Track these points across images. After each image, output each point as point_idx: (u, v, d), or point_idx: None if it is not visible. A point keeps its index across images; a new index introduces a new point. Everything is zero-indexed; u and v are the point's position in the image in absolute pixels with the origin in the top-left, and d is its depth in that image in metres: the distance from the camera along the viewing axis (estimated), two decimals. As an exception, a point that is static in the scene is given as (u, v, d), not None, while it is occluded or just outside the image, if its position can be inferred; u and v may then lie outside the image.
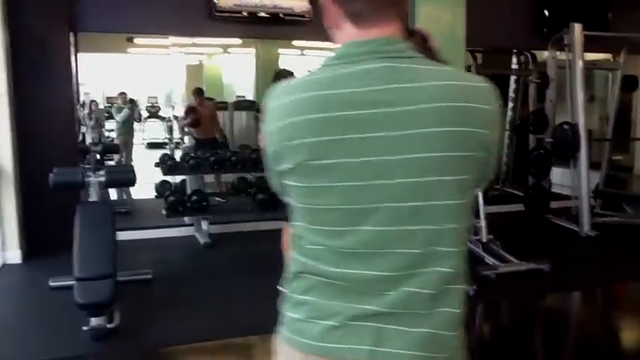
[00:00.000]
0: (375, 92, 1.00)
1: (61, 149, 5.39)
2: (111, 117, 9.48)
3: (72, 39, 5.61)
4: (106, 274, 3.65)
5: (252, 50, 11.16)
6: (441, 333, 1.04)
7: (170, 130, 13.38)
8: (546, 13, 6.82)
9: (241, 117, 10.62)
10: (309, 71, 1.13)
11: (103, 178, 4.30)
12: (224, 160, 5.94)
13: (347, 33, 1.08)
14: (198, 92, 7.62)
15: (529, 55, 7.69)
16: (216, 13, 5.77)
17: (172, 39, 10.30)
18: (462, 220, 1.05)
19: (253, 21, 5.94)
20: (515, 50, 8.08)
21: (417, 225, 1.01)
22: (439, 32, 6.34)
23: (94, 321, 3.61)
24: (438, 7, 6.39)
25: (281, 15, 5.97)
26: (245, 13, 5.85)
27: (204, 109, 7.43)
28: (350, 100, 1.00)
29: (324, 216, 1.06)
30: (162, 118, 13.43)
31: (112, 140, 8.65)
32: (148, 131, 13.93)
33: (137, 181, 4.42)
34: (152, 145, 13.34)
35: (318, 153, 1.02)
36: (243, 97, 12.54)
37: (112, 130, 10.07)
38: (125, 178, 4.42)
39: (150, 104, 14.16)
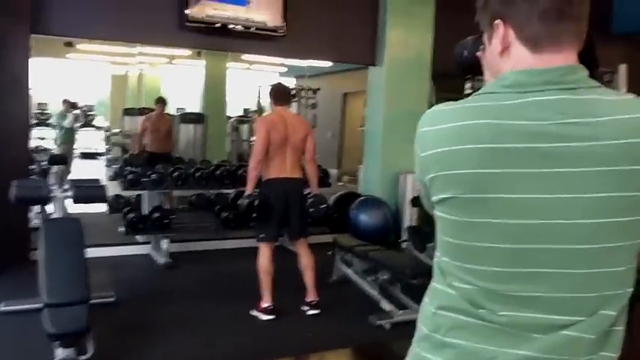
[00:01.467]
0: (553, 126, 0.92)
1: (14, 159, 4.97)
2: (40, 124, 9.00)
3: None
4: (80, 299, 3.34)
5: (200, 62, 10.91)
6: None
7: (108, 140, 12.86)
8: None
9: (188, 130, 10.29)
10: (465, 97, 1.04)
11: (70, 193, 3.97)
12: (188, 175, 5.67)
13: (519, 59, 1.00)
14: (161, 101, 7.29)
15: (483, 81, 7.92)
16: (188, 23, 5.54)
17: (116, 48, 9.95)
18: (634, 260, 0.99)
19: (225, 33, 5.75)
20: (469, 76, 8.31)
21: (593, 268, 0.94)
22: (407, 57, 6.49)
23: (63, 352, 3.27)
24: (407, 32, 6.50)
25: (254, 29, 5.82)
26: (218, 25, 5.65)
27: (162, 121, 7.12)
28: (524, 132, 0.93)
29: (480, 255, 0.97)
30: (98, 128, 12.86)
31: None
32: (81, 140, 13.24)
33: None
34: (86, 155, 12.71)
35: (480, 186, 0.94)
36: (184, 109, 12.24)
37: (44, 139, 9.51)
38: (95, 193, 4.10)
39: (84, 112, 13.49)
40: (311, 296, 4.23)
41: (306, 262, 4.19)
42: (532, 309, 0.95)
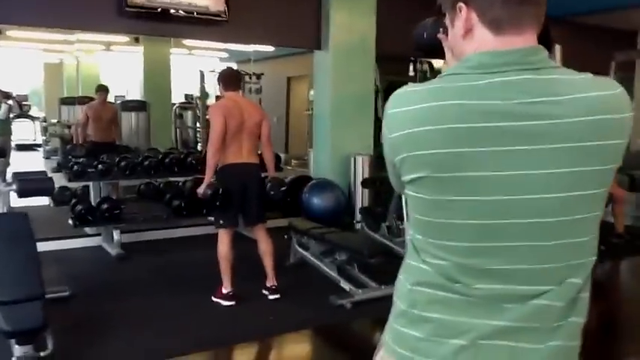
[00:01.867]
0: (518, 105, 0.96)
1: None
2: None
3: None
4: (36, 295, 3.23)
5: (139, 48, 10.62)
6: (569, 344, 1.04)
7: (45, 130, 12.38)
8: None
9: (130, 118, 10.02)
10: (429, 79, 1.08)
11: (14, 187, 3.83)
12: (136, 165, 5.55)
13: (482, 41, 1.03)
14: (103, 89, 7.05)
15: (427, 64, 8.08)
16: (127, 9, 5.39)
17: (47, 34, 9.57)
18: (597, 230, 1.05)
19: (166, 18, 5.63)
20: (412, 58, 8.46)
21: (559, 240, 0.99)
22: (351, 41, 6.54)
23: (20, 350, 3.18)
24: (350, 16, 6.54)
25: (196, 14, 5.72)
26: (159, 10, 5.52)
27: (105, 109, 6.91)
28: (490, 112, 0.96)
29: (452, 231, 1.01)
30: (34, 118, 12.35)
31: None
32: (16, 132, 12.68)
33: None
34: (22, 147, 12.20)
35: (450, 165, 0.97)
36: (123, 97, 11.92)
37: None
38: (41, 186, 3.97)
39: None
40: (271, 281, 4.25)
41: (264, 247, 4.20)
42: (504, 281, 0.99)
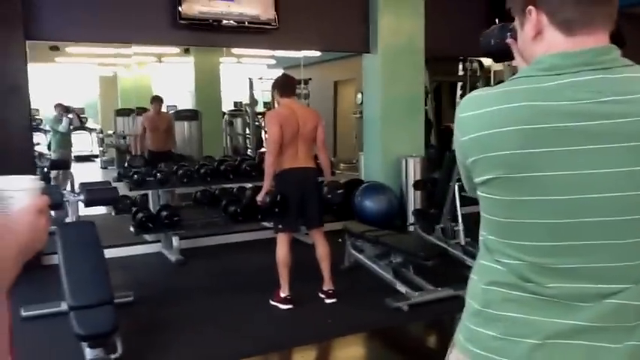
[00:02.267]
0: (590, 105, 0.97)
1: (18, 166, 4.96)
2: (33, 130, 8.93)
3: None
4: (105, 300, 3.39)
5: (189, 59, 10.89)
6: None
7: (102, 142, 12.82)
8: (497, 21, 7.07)
9: (183, 127, 10.29)
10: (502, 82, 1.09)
11: (82, 197, 4.01)
12: (193, 172, 5.71)
13: (553, 43, 1.04)
14: (157, 100, 7.27)
15: (477, 62, 7.99)
16: (181, 21, 5.55)
17: (102, 49, 9.92)
18: None
19: (218, 29, 5.77)
20: (461, 57, 8.38)
21: (634, 238, 0.99)
22: (400, 43, 6.54)
23: (92, 353, 3.34)
24: (398, 18, 6.53)
25: (247, 23, 5.84)
26: (211, 21, 5.66)
27: (160, 119, 7.12)
28: (562, 112, 0.97)
29: (523, 231, 1.02)
30: (91, 130, 12.83)
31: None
32: (74, 144, 13.16)
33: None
34: (80, 159, 12.67)
35: (521, 165, 0.99)
36: (175, 107, 12.21)
37: (38, 144, 9.47)
38: (107, 196, 4.14)
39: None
40: (328, 284, 4.29)
41: (322, 251, 4.24)
42: (578, 279, 1.00)
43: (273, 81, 4.36)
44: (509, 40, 1.19)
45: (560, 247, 1.00)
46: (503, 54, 1.24)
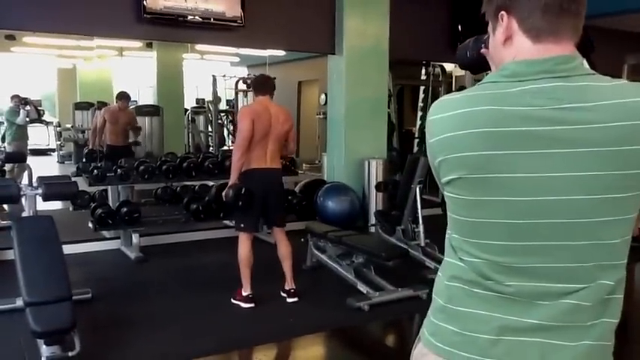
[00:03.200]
0: (548, 111, 1.01)
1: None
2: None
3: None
4: (63, 297, 3.31)
5: (151, 54, 10.73)
6: (602, 344, 1.07)
7: (59, 135, 12.50)
8: (459, 27, 7.20)
9: (144, 122, 10.12)
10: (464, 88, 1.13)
11: (40, 191, 3.92)
12: (154, 169, 5.63)
13: (521, 48, 1.08)
14: (124, 97, 7.14)
15: (439, 67, 8.13)
16: (145, 15, 5.48)
17: (62, 40, 9.69)
18: (629, 233, 1.08)
19: (184, 24, 5.72)
20: (424, 62, 8.51)
21: (590, 240, 1.03)
22: (365, 45, 6.60)
23: (48, 350, 3.26)
24: (364, 21, 6.60)
25: (212, 20, 5.81)
26: (176, 17, 5.61)
27: (123, 114, 7.00)
28: (524, 117, 1.01)
29: (485, 230, 1.07)
30: (48, 123, 12.48)
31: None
32: (30, 137, 12.78)
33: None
34: (36, 152, 12.31)
35: (483, 166, 1.03)
36: (135, 102, 12.01)
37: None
38: (66, 190, 4.05)
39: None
40: (289, 284, 4.30)
41: (284, 250, 4.25)
42: (536, 278, 1.04)
43: (249, 80, 4.38)
44: (483, 51, 1.23)
45: (519, 247, 1.04)
46: (479, 65, 1.28)
